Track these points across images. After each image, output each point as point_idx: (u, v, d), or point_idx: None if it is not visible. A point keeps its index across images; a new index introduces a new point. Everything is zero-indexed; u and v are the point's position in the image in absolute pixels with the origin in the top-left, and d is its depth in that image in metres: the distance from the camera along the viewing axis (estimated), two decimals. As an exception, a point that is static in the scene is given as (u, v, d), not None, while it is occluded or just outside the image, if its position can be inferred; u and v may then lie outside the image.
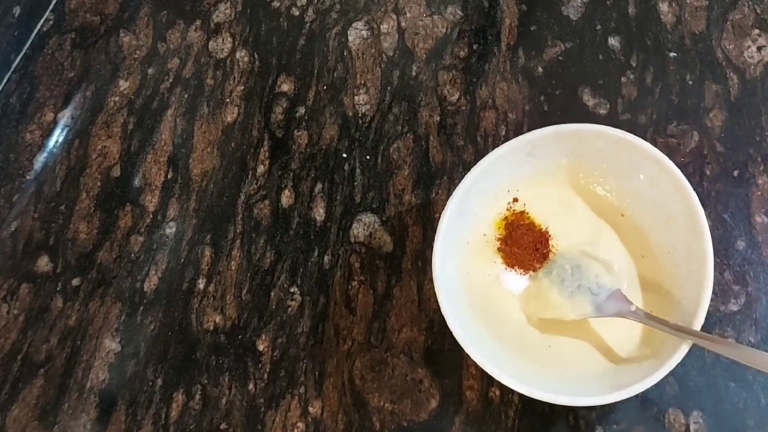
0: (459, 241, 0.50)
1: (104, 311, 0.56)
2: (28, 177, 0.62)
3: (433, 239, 0.47)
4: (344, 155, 0.59)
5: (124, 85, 0.65)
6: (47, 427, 0.53)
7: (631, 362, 0.45)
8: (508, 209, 0.52)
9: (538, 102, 0.58)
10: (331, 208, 0.57)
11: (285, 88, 0.63)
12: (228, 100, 0.63)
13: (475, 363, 0.43)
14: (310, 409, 0.50)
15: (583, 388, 0.44)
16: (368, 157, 0.58)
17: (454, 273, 0.48)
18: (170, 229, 0.58)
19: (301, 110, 0.61)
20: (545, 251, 0.50)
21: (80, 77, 0.66)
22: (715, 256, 0.43)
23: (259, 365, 0.52)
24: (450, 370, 0.50)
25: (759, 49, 0.57)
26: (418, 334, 0.52)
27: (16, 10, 0.67)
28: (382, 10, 0.65)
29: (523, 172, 0.50)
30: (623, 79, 0.58)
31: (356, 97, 0.61)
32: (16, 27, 0.68)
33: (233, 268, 0.56)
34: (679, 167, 0.45)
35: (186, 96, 0.64)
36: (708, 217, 0.44)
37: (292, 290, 0.55)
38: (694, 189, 0.45)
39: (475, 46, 0.62)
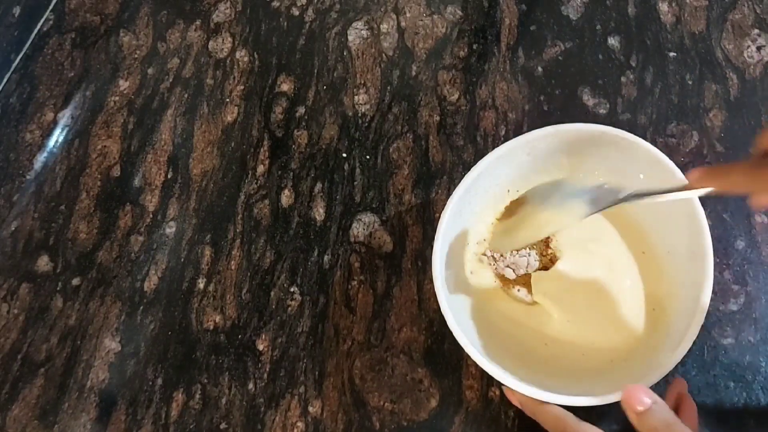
0: (459, 241, 0.50)
1: (104, 311, 0.56)
2: (28, 177, 0.62)
3: (433, 239, 0.47)
4: (344, 155, 0.59)
5: (124, 84, 0.65)
6: (47, 427, 0.53)
7: (631, 362, 0.45)
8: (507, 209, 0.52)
9: (538, 102, 0.58)
10: (331, 208, 0.57)
11: (285, 87, 0.63)
12: (228, 99, 0.63)
13: (474, 363, 0.43)
14: (310, 408, 0.50)
15: (583, 388, 0.44)
16: (368, 156, 0.58)
17: (454, 273, 0.48)
18: (170, 229, 0.58)
19: (301, 110, 0.61)
20: (548, 252, 0.50)
21: (80, 77, 0.66)
22: (714, 255, 0.43)
23: (259, 365, 0.52)
24: (450, 370, 0.50)
25: (759, 48, 0.57)
26: (418, 333, 0.52)
27: (16, 10, 0.67)
28: (382, 9, 0.65)
29: (523, 172, 0.50)
30: (623, 79, 0.58)
31: (356, 97, 0.61)
32: (16, 27, 0.68)
33: (233, 267, 0.56)
34: (679, 167, 0.45)
35: (186, 96, 0.64)
36: (708, 216, 0.44)
37: (292, 290, 0.55)
38: (693, 188, 0.45)
39: (474, 46, 0.62)
